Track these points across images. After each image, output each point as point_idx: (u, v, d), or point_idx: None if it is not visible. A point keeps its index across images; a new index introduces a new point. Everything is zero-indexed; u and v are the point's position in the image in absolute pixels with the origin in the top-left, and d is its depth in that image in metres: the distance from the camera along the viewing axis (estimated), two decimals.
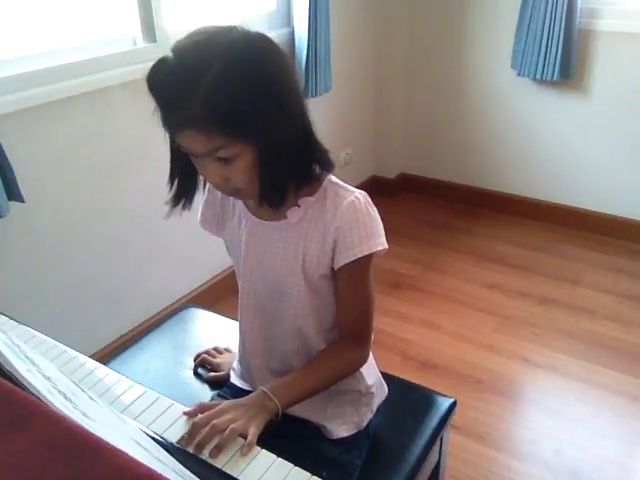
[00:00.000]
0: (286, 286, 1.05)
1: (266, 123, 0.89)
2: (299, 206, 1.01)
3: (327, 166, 1.01)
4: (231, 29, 0.90)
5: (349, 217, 0.99)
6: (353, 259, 1.00)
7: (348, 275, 1.03)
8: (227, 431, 0.89)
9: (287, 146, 0.93)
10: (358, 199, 1.00)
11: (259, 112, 0.87)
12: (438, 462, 1.34)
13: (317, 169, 1.01)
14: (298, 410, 1.13)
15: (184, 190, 1.02)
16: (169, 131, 0.92)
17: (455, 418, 1.34)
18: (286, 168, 0.95)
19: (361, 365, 1.13)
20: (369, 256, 1.01)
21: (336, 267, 1.02)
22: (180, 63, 0.87)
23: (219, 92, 0.84)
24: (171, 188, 1.01)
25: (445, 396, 1.33)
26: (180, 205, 1.02)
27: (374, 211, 1.02)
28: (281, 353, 1.12)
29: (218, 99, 0.84)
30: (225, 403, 0.98)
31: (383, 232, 1.02)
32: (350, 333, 1.09)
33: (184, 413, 0.95)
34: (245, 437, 0.91)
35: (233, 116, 0.86)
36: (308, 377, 1.06)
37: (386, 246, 1.02)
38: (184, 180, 1.01)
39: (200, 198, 1.13)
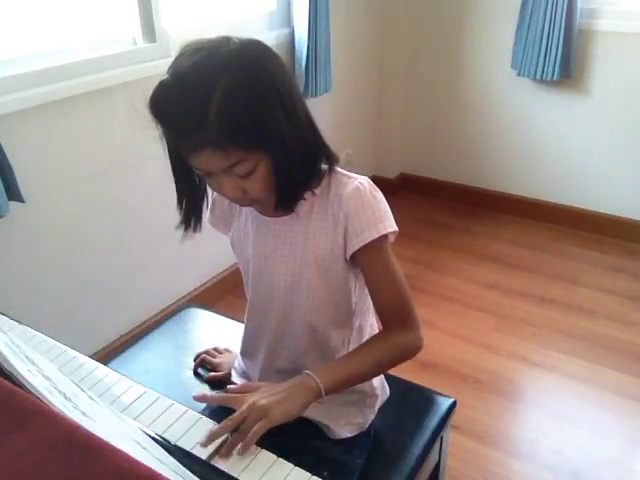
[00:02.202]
0: (295, 281, 1.05)
1: (279, 128, 0.89)
2: (305, 199, 1.00)
3: (331, 161, 1.01)
4: (227, 41, 0.89)
5: (355, 203, 0.99)
6: (363, 244, 0.99)
7: (369, 261, 1.02)
8: (249, 435, 0.89)
9: (300, 147, 0.93)
10: (362, 184, 1.01)
11: (271, 119, 0.88)
12: (438, 462, 1.34)
13: (323, 165, 1.01)
14: None
15: (192, 211, 1.03)
16: (182, 154, 0.91)
17: (455, 418, 1.34)
18: (300, 169, 0.95)
19: (415, 350, 1.07)
20: (383, 238, 1.00)
21: (350, 254, 1.01)
22: (184, 85, 0.86)
23: (231, 107, 0.84)
24: (181, 211, 1.02)
25: (445, 396, 1.33)
26: (191, 227, 1.03)
27: (379, 194, 1.03)
28: (290, 351, 1.12)
29: (231, 114, 0.85)
30: (263, 389, 0.97)
31: (391, 215, 1.02)
32: (392, 319, 1.06)
33: (228, 389, 0.99)
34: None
35: (248, 127, 0.86)
36: (354, 360, 1.04)
37: (396, 228, 1.02)
38: (190, 202, 1.02)
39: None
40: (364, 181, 1.02)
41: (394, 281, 1.04)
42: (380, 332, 1.09)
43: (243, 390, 0.97)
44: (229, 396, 0.96)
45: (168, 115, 0.88)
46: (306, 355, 1.11)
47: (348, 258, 1.02)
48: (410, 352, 1.07)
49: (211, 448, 0.90)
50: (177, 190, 1.02)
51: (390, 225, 1.01)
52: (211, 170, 0.91)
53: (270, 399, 0.93)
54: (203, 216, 1.06)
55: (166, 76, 0.88)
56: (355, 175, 1.04)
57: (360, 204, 0.99)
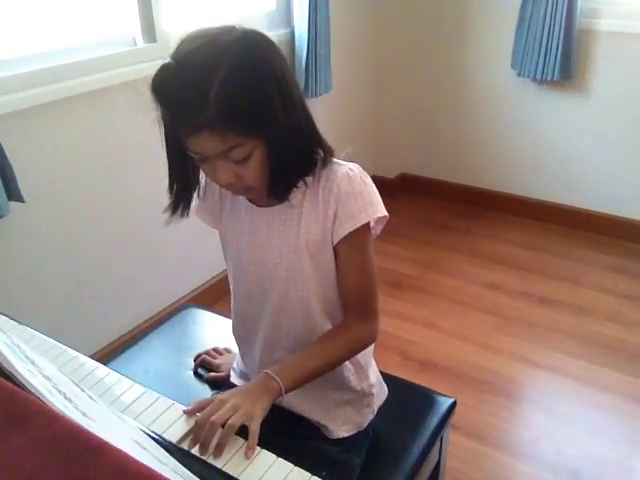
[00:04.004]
0: (290, 269, 1.05)
1: (276, 115, 0.91)
2: (298, 187, 1.01)
3: (327, 152, 1.02)
4: (230, 29, 0.91)
5: (346, 188, 1.00)
6: (354, 229, 1.00)
7: (348, 247, 1.04)
8: (225, 429, 0.89)
9: (295, 136, 0.94)
10: (352, 170, 1.02)
11: (269, 106, 0.90)
12: (438, 462, 1.34)
13: (318, 157, 1.02)
14: (299, 408, 1.13)
15: (182, 196, 1.03)
16: (180, 137, 0.92)
17: (455, 418, 1.35)
18: (294, 159, 0.96)
19: (369, 343, 1.12)
20: (367, 226, 1.02)
21: (338, 239, 1.02)
22: (186, 68, 0.88)
23: (230, 92, 0.86)
24: (171, 195, 1.03)
25: (445, 396, 1.33)
26: (178, 212, 1.04)
27: (369, 179, 1.04)
28: (288, 341, 1.12)
29: (230, 99, 0.86)
30: (226, 393, 0.97)
31: (380, 200, 1.03)
32: (355, 308, 1.09)
33: (184, 412, 0.95)
34: (247, 429, 0.90)
35: (246, 113, 0.88)
36: (313, 357, 1.05)
37: (385, 213, 1.03)
38: (182, 187, 1.03)
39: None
40: (354, 167, 1.03)
41: (366, 272, 1.07)
42: (340, 325, 1.10)
43: (199, 408, 0.94)
44: (202, 420, 0.93)
45: (168, 97, 0.89)
46: (304, 344, 1.10)
47: (335, 243, 1.03)
48: (366, 344, 1.12)
49: (180, 432, 0.90)
50: (169, 175, 1.02)
51: (380, 210, 1.02)
52: (207, 154, 0.92)
53: (240, 412, 0.91)
54: (192, 203, 1.06)
55: (168, 60, 0.90)
56: (345, 162, 1.05)
57: (350, 189, 1.00)
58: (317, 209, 1.02)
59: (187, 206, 1.05)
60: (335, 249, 1.04)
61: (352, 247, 1.04)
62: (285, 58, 0.97)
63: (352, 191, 1.00)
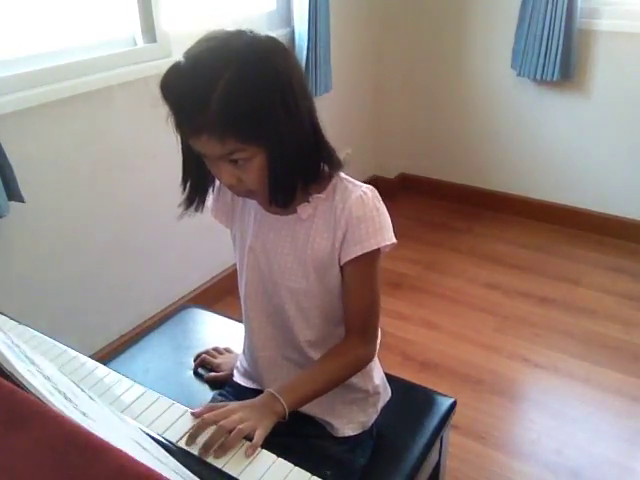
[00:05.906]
0: (291, 280, 1.06)
1: (278, 126, 0.90)
2: (309, 202, 1.01)
3: (335, 165, 1.02)
4: (241, 34, 0.91)
5: (357, 212, 1.00)
6: (360, 254, 1.00)
7: (355, 269, 1.04)
8: (234, 432, 0.89)
9: (297, 147, 0.94)
10: (366, 194, 1.01)
11: (271, 115, 0.89)
12: (438, 462, 1.34)
13: (326, 169, 1.01)
14: (305, 407, 1.13)
15: (197, 191, 1.03)
16: (183, 136, 0.93)
17: (455, 418, 1.34)
18: (296, 169, 0.96)
19: (367, 362, 1.13)
20: (377, 251, 1.02)
21: (343, 261, 1.02)
22: (193, 70, 0.88)
23: (232, 98, 0.86)
24: (184, 190, 1.03)
25: (445, 396, 1.33)
26: (193, 207, 1.04)
27: (382, 206, 1.03)
28: (294, 342, 1.12)
29: (231, 105, 0.86)
30: (233, 404, 0.98)
31: (391, 227, 1.03)
32: (356, 328, 1.09)
33: (192, 413, 0.95)
34: (251, 438, 0.90)
35: (246, 121, 0.88)
36: (315, 378, 1.06)
37: (394, 241, 1.02)
38: (196, 181, 1.03)
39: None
40: (368, 190, 1.02)
41: (369, 295, 1.07)
42: (342, 345, 1.10)
43: (208, 411, 0.94)
44: (208, 419, 0.93)
45: (174, 96, 0.90)
46: (308, 346, 1.11)
47: (342, 264, 1.04)
48: (365, 364, 1.12)
49: (180, 432, 0.90)
50: (183, 169, 1.02)
51: (389, 238, 1.02)
52: (208, 155, 0.93)
53: (248, 422, 0.92)
54: (209, 199, 1.07)
55: (180, 58, 0.90)
56: (360, 184, 1.04)
57: (362, 214, 1.00)
58: (329, 226, 1.02)
59: (202, 201, 1.05)
60: (342, 268, 1.05)
61: (358, 269, 1.04)
62: (298, 66, 0.97)
63: (363, 216, 1.00)
